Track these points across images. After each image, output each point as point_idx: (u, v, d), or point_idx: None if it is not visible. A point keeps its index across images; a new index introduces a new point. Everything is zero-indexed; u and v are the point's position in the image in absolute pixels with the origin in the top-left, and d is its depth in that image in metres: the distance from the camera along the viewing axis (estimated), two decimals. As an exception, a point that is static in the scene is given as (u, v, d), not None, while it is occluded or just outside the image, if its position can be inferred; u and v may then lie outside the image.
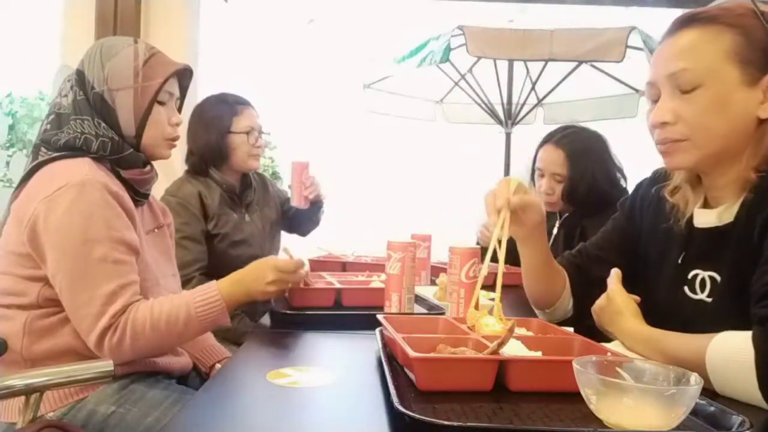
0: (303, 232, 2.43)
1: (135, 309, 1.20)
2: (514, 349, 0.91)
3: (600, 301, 1.15)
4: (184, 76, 1.43)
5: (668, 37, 1.03)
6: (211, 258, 1.99)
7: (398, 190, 8.00)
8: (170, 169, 2.15)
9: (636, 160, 2.37)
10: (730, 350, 0.88)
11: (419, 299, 1.47)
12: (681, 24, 1.01)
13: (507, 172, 4.33)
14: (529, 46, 3.40)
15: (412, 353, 0.84)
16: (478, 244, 1.98)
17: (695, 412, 0.73)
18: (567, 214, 2.18)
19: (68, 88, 1.32)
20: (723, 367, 0.88)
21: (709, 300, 1.03)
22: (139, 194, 1.36)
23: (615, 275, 1.16)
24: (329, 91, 7.60)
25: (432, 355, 0.90)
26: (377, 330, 1.10)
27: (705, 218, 1.06)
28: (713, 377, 0.89)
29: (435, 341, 0.95)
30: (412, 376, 0.87)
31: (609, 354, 0.89)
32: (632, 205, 1.27)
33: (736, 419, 0.72)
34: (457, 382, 0.85)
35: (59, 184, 1.20)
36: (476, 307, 1.08)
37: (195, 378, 1.53)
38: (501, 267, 1.10)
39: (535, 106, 4.31)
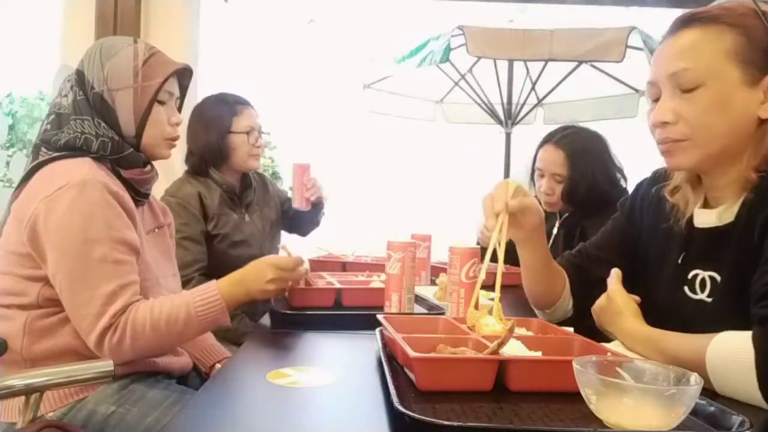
0: (303, 233, 2.43)
1: (135, 309, 1.20)
2: (514, 349, 0.91)
3: (600, 301, 1.15)
4: (184, 75, 1.43)
5: (669, 36, 1.03)
6: (211, 258, 1.99)
7: (398, 190, 8.00)
8: (170, 169, 2.15)
9: (636, 160, 2.37)
10: (730, 350, 0.88)
11: (419, 299, 1.47)
12: (682, 23, 1.01)
13: (507, 172, 4.33)
14: (529, 46, 3.40)
15: (412, 353, 0.84)
16: (478, 244, 1.98)
17: (695, 412, 0.73)
18: (567, 215, 2.18)
19: (68, 88, 1.32)
20: (723, 367, 0.88)
21: (709, 300, 1.03)
22: (139, 194, 1.36)
23: (615, 275, 1.16)
24: (329, 91, 7.60)
25: (432, 355, 0.90)
26: (377, 330, 1.10)
27: (705, 218, 1.06)
28: (713, 377, 0.89)
29: (435, 341, 0.95)
30: (412, 376, 0.87)
31: (609, 354, 0.89)
32: (632, 205, 1.27)
33: (736, 419, 0.72)
34: (457, 382, 0.85)
35: (59, 183, 1.20)
36: (476, 307, 1.08)
37: (195, 378, 1.53)
38: (500, 267, 1.10)
39: (535, 106, 4.31)
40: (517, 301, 1.52)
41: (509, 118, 4.29)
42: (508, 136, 4.34)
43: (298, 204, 2.17)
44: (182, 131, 1.55)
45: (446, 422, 0.70)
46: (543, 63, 3.76)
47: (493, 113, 4.31)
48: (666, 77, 1.00)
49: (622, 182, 2.12)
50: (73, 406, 1.24)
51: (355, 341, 1.22)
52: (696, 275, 1.06)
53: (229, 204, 2.09)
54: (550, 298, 1.31)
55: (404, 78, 4.30)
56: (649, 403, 0.69)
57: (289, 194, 2.37)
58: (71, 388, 1.23)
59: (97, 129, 1.29)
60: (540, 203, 2.11)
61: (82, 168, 1.24)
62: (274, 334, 1.30)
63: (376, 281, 1.63)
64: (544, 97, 4.15)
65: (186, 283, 1.75)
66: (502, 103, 4.31)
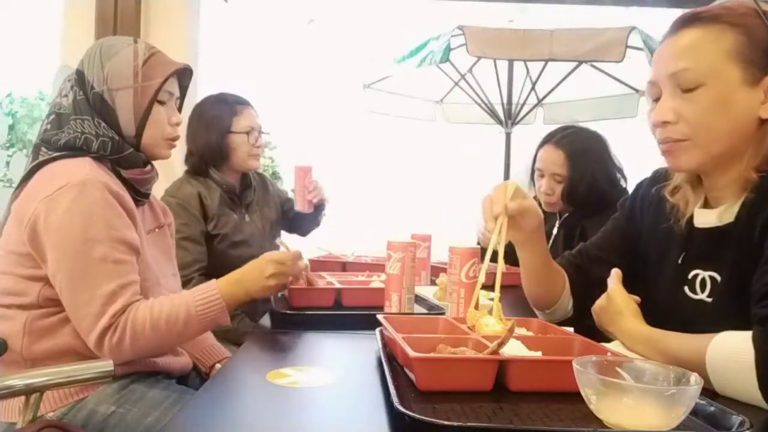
0: (303, 233, 2.44)
1: (135, 309, 1.20)
2: (514, 349, 0.91)
3: (600, 301, 1.15)
4: (184, 75, 1.43)
5: (670, 36, 1.03)
6: (211, 259, 1.98)
7: (398, 190, 8.00)
8: (170, 170, 2.15)
9: (636, 160, 2.37)
10: (730, 350, 0.88)
11: (419, 299, 1.47)
12: (683, 23, 1.01)
13: (507, 172, 4.33)
14: (529, 46, 3.40)
15: (412, 353, 0.84)
16: (478, 244, 1.98)
17: (695, 412, 0.73)
18: (567, 215, 2.18)
19: (68, 88, 1.32)
20: (723, 367, 0.88)
21: (710, 300, 1.03)
22: (139, 194, 1.36)
23: (615, 275, 1.16)
24: (329, 91, 7.60)
25: (432, 355, 0.90)
26: (377, 330, 1.10)
27: (705, 218, 1.06)
28: (713, 377, 0.89)
29: (435, 341, 0.95)
30: (412, 376, 0.87)
31: (609, 354, 0.89)
32: (632, 205, 1.27)
33: (736, 419, 0.72)
34: (457, 382, 0.84)
35: (60, 183, 1.20)
36: (476, 307, 1.08)
37: (195, 378, 1.53)
38: (500, 268, 1.10)
39: (535, 106, 4.31)
40: (517, 301, 1.52)
41: (509, 118, 4.29)
42: (508, 136, 4.34)
43: (300, 206, 2.17)
44: (182, 131, 1.55)
45: (446, 422, 0.70)
46: (543, 63, 3.76)
47: (493, 113, 4.30)
48: (666, 77, 1.00)
49: (622, 182, 2.12)
50: (73, 406, 1.24)
51: (355, 341, 1.22)
52: (696, 275, 1.06)
53: (229, 204, 2.09)
54: (550, 298, 1.31)
55: (404, 78, 4.30)
56: (649, 403, 0.69)
57: (290, 195, 2.37)
58: (71, 388, 1.23)
59: (97, 129, 1.29)
60: (540, 203, 2.13)
61: (83, 168, 1.24)
62: (274, 334, 1.30)
63: (376, 281, 1.63)
64: (544, 97, 4.15)
65: (186, 284, 1.75)
66: (502, 103, 4.31)
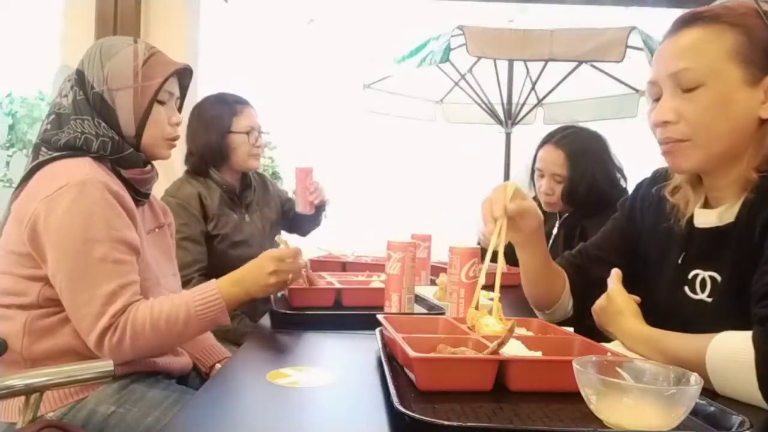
0: (303, 233, 2.44)
1: (135, 309, 1.20)
2: (514, 349, 0.91)
3: (600, 301, 1.15)
4: (184, 75, 1.43)
5: (670, 35, 1.03)
6: (211, 259, 1.99)
7: (398, 190, 8.00)
8: (170, 170, 2.15)
9: (636, 160, 2.38)
10: (730, 350, 0.88)
11: (419, 299, 1.47)
12: (683, 23, 1.01)
13: (507, 172, 4.33)
14: (529, 46, 3.40)
15: (412, 353, 0.84)
16: (478, 244, 1.99)
17: (695, 412, 0.73)
18: (567, 215, 2.18)
19: (68, 88, 1.32)
20: (723, 367, 0.88)
21: (710, 300, 1.03)
22: (139, 194, 1.36)
23: (615, 275, 1.16)
24: (329, 91, 7.60)
25: (432, 355, 0.90)
26: (377, 330, 1.09)
27: (705, 218, 1.06)
28: (713, 377, 0.89)
29: (435, 341, 0.95)
30: (412, 376, 0.87)
31: (609, 354, 0.89)
32: (632, 206, 1.27)
33: (736, 419, 0.72)
34: (457, 382, 0.84)
35: (60, 183, 1.20)
36: (476, 307, 1.08)
37: (195, 378, 1.53)
38: (500, 268, 1.10)
39: (535, 106, 4.31)
40: (517, 301, 1.52)
41: (509, 118, 4.29)
42: (508, 136, 4.34)
43: (302, 208, 2.17)
44: (182, 131, 1.55)
45: (446, 422, 0.70)
46: (543, 63, 3.76)
47: (493, 113, 4.30)
48: (667, 77, 1.00)
49: (622, 182, 2.12)
50: (73, 406, 1.24)
51: (355, 341, 1.22)
52: (696, 275, 1.06)
53: (229, 204, 2.09)
54: (550, 299, 1.31)
55: (404, 78, 4.30)
56: (649, 403, 0.69)
57: (290, 194, 2.37)
58: (71, 388, 1.23)
59: (97, 129, 1.29)
60: (540, 204, 2.13)
61: (83, 168, 1.24)
62: (274, 334, 1.30)
63: (376, 281, 1.63)
64: (544, 97, 4.15)
65: (186, 284, 1.75)
66: (502, 103, 4.31)
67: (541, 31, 3.42)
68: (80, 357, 1.22)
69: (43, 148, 1.29)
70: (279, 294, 1.57)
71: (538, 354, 0.91)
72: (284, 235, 1.66)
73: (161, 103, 1.35)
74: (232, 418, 0.78)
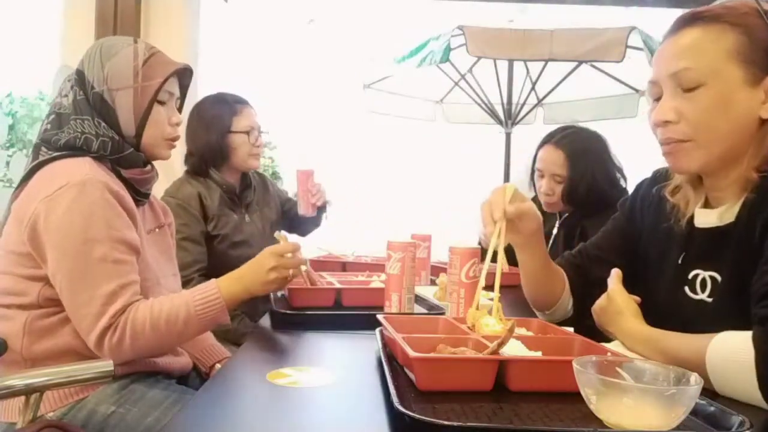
0: (303, 233, 2.44)
1: (135, 309, 1.20)
2: (514, 349, 0.91)
3: (600, 301, 1.15)
4: (184, 75, 1.43)
5: (671, 35, 1.03)
6: (211, 259, 1.98)
7: (398, 190, 7.99)
8: (170, 170, 2.15)
9: (636, 160, 2.38)
10: (730, 350, 0.88)
11: (419, 299, 1.47)
12: (684, 22, 1.01)
13: (507, 172, 4.33)
14: (529, 46, 3.40)
15: (412, 353, 0.84)
16: (479, 244, 1.99)
17: (695, 412, 0.73)
18: (567, 215, 2.18)
19: (68, 87, 1.32)
20: (723, 367, 0.88)
21: (710, 300, 1.03)
22: (140, 194, 1.36)
23: (615, 275, 1.16)
24: (329, 91, 7.59)
25: (432, 355, 0.90)
26: (377, 330, 1.10)
27: (706, 218, 1.06)
28: (713, 377, 0.89)
29: (435, 341, 0.95)
30: (412, 376, 0.87)
31: (609, 354, 0.89)
32: (632, 206, 1.27)
33: (736, 419, 0.72)
34: (457, 382, 0.85)
35: (60, 183, 1.20)
36: (476, 308, 1.08)
37: (195, 378, 1.53)
38: (499, 269, 1.10)
39: (535, 106, 4.30)
40: (517, 301, 1.52)
41: (509, 118, 4.29)
42: (508, 136, 4.34)
43: (304, 210, 2.17)
44: (182, 131, 1.55)
45: (446, 422, 0.70)
46: (543, 63, 3.76)
47: (493, 113, 4.30)
48: (667, 76, 1.00)
49: (622, 182, 2.12)
50: (73, 406, 1.24)
51: (355, 341, 1.22)
52: (696, 275, 1.06)
53: (229, 204, 2.08)
54: (550, 299, 1.31)
55: (404, 78, 4.29)
56: (649, 403, 0.69)
57: (290, 194, 2.37)
58: (71, 388, 1.23)
59: (97, 129, 1.29)
60: (540, 204, 2.13)
61: (83, 168, 1.24)
62: (274, 334, 1.30)
63: (376, 281, 1.63)
64: (544, 97, 4.15)
65: (186, 284, 1.75)
66: (502, 103, 4.31)
67: (541, 31, 3.41)
68: (80, 357, 1.22)
69: (43, 148, 1.29)
70: (279, 294, 1.57)
71: (538, 354, 0.91)
72: (283, 232, 1.66)
73: (161, 103, 1.35)
74: (232, 418, 0.78)
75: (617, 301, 1.11)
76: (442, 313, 1.33)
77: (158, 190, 1.68)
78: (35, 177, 1.26)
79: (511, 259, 1.32)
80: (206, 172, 2.07)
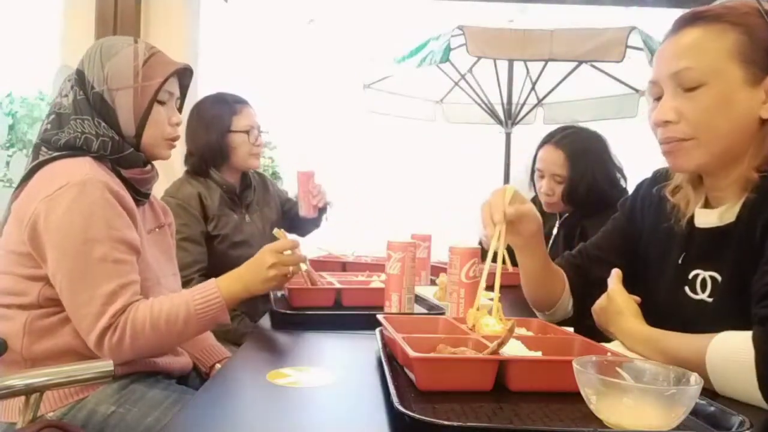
0: (303, 233, 2.43)
1: (135, 308, 1.20)
2: (514, 349, 0.91)
3: (600, 301, 1.15)
4: (184, 75, 1.43)
5: (671, 35, 1.03)
6: (212, 259, 1.98)
7: (398, 190, 7.99)
8: (170, 170, 2.15)
9: (636, 160, 2.37)
10: (730, 350, 0.88)
11: (419, 299, 1.47)
12: (684, 22, 1.01)
13: (507, 172, 4.33)
14: (529, 46, 3.40)
15: (412, 353, 0.84)
16: (480, 244, 1.99)
17: (695, 412, 0.73)
18: (567, 215, 2.18)
19: (68, 87, 1.32)
20: (723, 367, 0.88)
21: (710, 300, 1.03)
22: (140, 194, 1.36)
23: (615, 275, 1.16)
24: (329, 91, 7.59)
25: (432, 355, 0.90)
26: (377, 330, 1.10)
27: (706, 218, 1.06)
28: (713, 377, 0.89)
29: (435, 341, 0.95)
30: (412, 376, 0.87)
31: (609, 354, 0.89)
32: (633, 206, 1.27)
33: (736, 419, 0.72)
34: (457, 382, 0.85)
35: (60, 183, 1.20)
36: (476, 308, 1.08)
37: (195, 378, 1.53)
38: (499, 269, 1.10)
39: (535, 106, 4.30)
40: (517, 301, 1.52)
41: (509, 118, 4.29)
42: (508, 136, 4.34)
43: (305, 212, 2.17)
44: (181, 131, 1.55)
45: (446, 422, 0.70)
46: (543, 63, 3.76)
47: (493, 113, 4.30)
48: (668, 76, 1.00)
49: (622, 182, 2.12)
50: (73, 406, 1.24)
51: (355, 341, 1.22)
52: (697, 275, 1.06)
53: (230, 204, 2.08)
54: (550, 300, 1.31)
55: (404, 78, 4.29)
56: (649, 403, 0.69)
57: (290, 194, 2.37)
58: (71, 388, 1.23)
59: (97, 129, 1.29)
60: (540, 204, 2.13)
61: (83, 168, 1.24)
62: (274, 334, 1.30)
63: (376, 281, 1.63)
64: (544, 97, 4.15)
65: (186, 284, 1.74)
66: (502, 103, 4.31)
67: (541, 31, 3.41)
68: (80, 357, 1.22)
69: (43, 148, 1.29)
70: (279, 294, 1.57)
71: (538, 354, 0.91)
72: (282, 230, 1.65)
73: (161, 103, 1.35)
74: (232, 418, 0.78)
75: (617, 301, 1.11)
76: (442, 313, 1.33)
77: (158, 190, 1.68)
78: (35, 177, 1.26)
79: (513, 259, 1.32)
80: (206, 172, 2.07)
